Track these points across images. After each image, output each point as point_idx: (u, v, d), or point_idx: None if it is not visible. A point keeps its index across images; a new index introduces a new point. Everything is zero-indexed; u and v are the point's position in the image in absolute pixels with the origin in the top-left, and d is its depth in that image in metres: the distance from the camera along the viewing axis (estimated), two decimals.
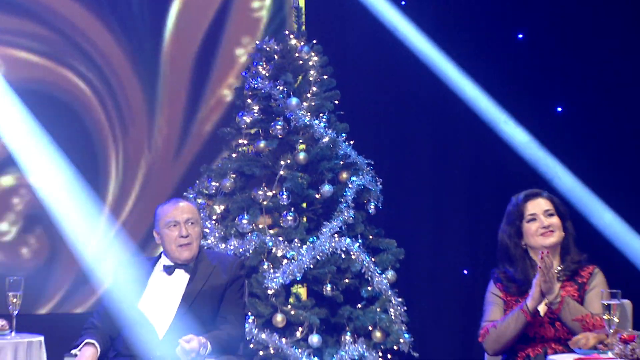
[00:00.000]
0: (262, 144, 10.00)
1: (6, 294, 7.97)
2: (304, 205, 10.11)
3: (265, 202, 9.98)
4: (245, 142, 10.21)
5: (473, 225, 9.92)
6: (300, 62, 10.22)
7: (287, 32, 10.50)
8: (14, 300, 7.88)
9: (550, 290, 7.21)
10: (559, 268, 7.42)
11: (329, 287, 9.67)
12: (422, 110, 10.89)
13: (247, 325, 9.02)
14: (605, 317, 6.86)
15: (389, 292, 9.71)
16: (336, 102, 10.19)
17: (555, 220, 7.47)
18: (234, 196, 9.99)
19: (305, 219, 10.17)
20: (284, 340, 9.59)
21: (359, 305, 9.78)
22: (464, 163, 10.94)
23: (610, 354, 6.65)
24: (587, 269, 7.48)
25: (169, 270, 8.11)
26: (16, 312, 7.96)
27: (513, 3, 11.21)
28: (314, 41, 10.41)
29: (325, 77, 10.19)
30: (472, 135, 10.95)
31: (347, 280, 9.77)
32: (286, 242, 9.77)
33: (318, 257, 9.64)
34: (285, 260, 9.72)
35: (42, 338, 8.08)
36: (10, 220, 12.00)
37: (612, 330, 6.77)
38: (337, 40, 10.73)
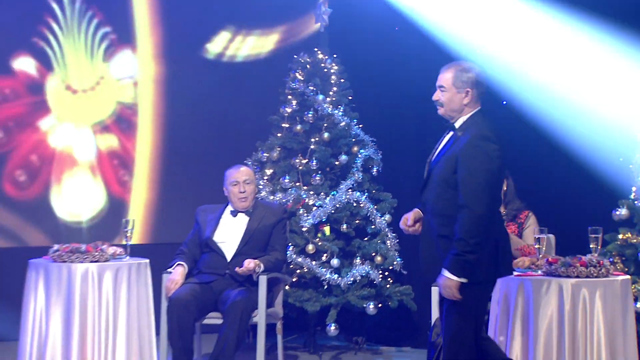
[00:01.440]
0: (298, 127, 10.05)
1: (122, 230, 8.24)
2: (328, 169, 10.07)
3: (300, 167, 10.04)
4: (287, 125, 10.21)
5: None
6: (325, 70, 10.22)
7: (315, 49, 10.44)
8: (128, 234, 8.16)
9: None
10: (503, 212, 7.54)
11: (344, 226, 9.77)
12: (409, 103, 10.70)
13: (288, 252, 9.07)
14: (536, 247, 7.14)
15: (386, 229, 9.76)
16: (350, 97, 10.23)
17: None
18: (279, 163, 10.08)
19: (328, 179, 10.10)
20: (313, 262, 9.59)
21: (365, 239, 9.82)
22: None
23: (539, 272, 6.88)
24: (524, 213, 7.60)
25: (234, 213, 8.50)
26: (129, 243, 8.19)
27: None
28: (334, 55, 10.37)
29: (342, 80, 10.21)
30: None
31: (357, 221, 9.87)
32: (315, 195, 9.87)
33: (337, 205, 9.72)
34: (314, 207, 9.79)
35: (147, 261, 8.25)
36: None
37: (541, 256, 6.98)
38: (350, 53, 10.61)
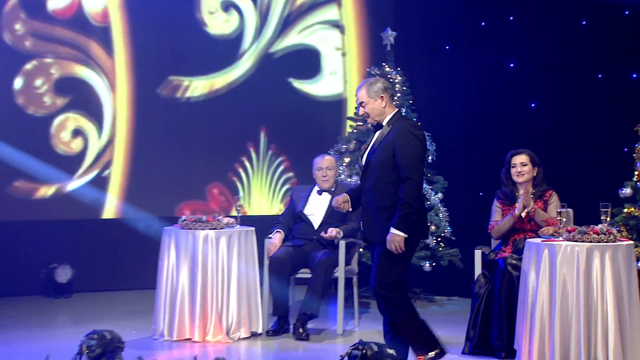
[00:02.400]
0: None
1: (235, 204, 8.44)
2: None
3: None
4: (361, 124, 10.15)
5: (483, 170, 9.75)
6: (391, 79, 9.94)
7: (383, 64, 10.29)
8: (239, 207, 8.36)
9: (528, 205, 7.36)
10: (533, 192, 7.51)
11: None
12: (456, 105, 10.68)
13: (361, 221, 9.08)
14: (558, 219, 7.04)
15: (439, 205, 9.77)
16: (410, 101, 10.10)
17: (526, 168, 7.59)
18: (354, 153, 10.00)
19: None
20: None
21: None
22: (476, 147, 10.58)
23: (561, 238, 6.76)
24: (548, 192, 7.54)
25: (319, 192, 8.69)
26: (239, 214, 8.35)
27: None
28: (398, 68, 10.20)
29: (404, 88, 10.08)
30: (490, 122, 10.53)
31: None
32: None
33: None
34: None
35: (253, 228, 8.38)
36: None
37: (562, 226, 6.88)
38: (411, 66, 10.56)
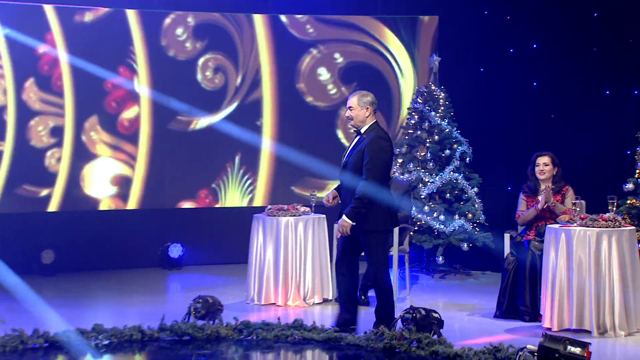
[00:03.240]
0: (418, 132, 9.80)
1: (310, 197, 8.25)
2: (437, 159, 9.81)
3: (420, 157, 9.77)
4: (411, 131, 9.96)
5: (511, 168, 9.74)
6: (436, 95, 9.92)
7: (430, 83, 10.10)
8: (313, 200, 8.17)
9: (549, 200, 7.26)
10: (552, 187, 7.40)
11: (448, 195, 9.63)
12: (489, 116, 10.56)
13: (412, 210, 9.09)
14: (573, 209, 7.07)
15: (475, 197, 9.64)
16: (452, 113, 9.90)
17: (548, 168, 7.46)
18: (407, 155, 9.92)
19: (437, 165, 9.79)
20: (427, 217, 9.47)
21: (461, 203, 9.67)
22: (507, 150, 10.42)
23: (575, 224, 6.77)
24: (566, 187, 7.45)
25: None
26: (313, 204, 8.29)
27: None
28: (442, 87, 10.02)
29: (447, 102, 9.88)
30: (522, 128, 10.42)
31: (456, 192, 9.71)
32: (429, 175, 9.64)
33: (443, 182, 9.58)
34: (429, 183, 9.61)
35: (324, 216, 8.38)
36: None
37: (576, 214, 6.90)
38: (452, 84, 10.28)
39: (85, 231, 10.15)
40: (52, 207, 10.01)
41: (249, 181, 10.90)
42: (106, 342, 6.39)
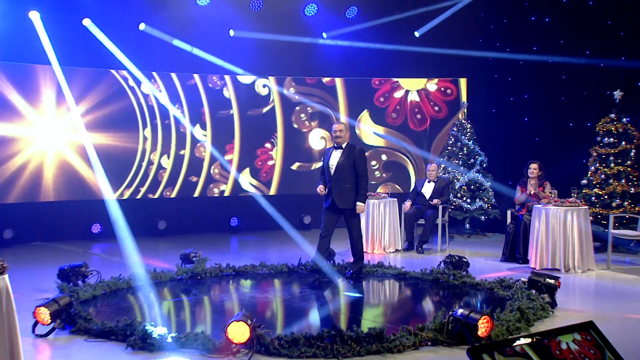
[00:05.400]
0: (454, 149, 9.39)
1: (385, 188, 7.65)
2: (466, 164, 9.30)
3: (455, 162, 9.30)
4: (450, 148, 9.46)
5: (512, 170, 9.26)
6: (465, 126, 9.46)
7: (462, 118, 9.70)
8: (389, 188, 7.66)
9: (535, 189, 7.09)
10: (537, 182, 7.25)
11: (472, 187, 9.20)
12: (499, 136, 10.19)
13: (450, 195, 8.67)
14: (550, 195, 6.98)
15: (489, 188, 9.25)
16: (474, 137, 9.45)
17: (536, 170, 7.28)
18: (447, 162, 9.38)
19: (466, 168, 9.28)
20: (459, 200, 9.08)
21: (480, 191, 9.22)
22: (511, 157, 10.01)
23: (551, 205, 6.67)
24: (545, 182, 7.27)
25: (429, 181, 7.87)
26: (389, 192, 7.70)
27: None
28: (469, 120, 9.62)
29: (472, 130, 9.42)
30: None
31: (477, 185, 9.21)
32: (460, 174, 9.20)
33: (469, 179, 9.18)
34: (460, 179, 9.18)
35: (396, 199, 7.88)
36: None
37: (552, 199, 6.83)
38: (475, 119, 9.83)
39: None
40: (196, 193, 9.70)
41: None
42: (267, 272, 6.39)
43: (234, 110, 9.91)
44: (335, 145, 5.99)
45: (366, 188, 5.96)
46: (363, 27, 10.00)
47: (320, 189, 5.99)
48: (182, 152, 9.64)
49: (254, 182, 10.08)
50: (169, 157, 9.61)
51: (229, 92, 9.91)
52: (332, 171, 5.92)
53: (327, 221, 6.01)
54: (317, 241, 6.11)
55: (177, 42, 9.31)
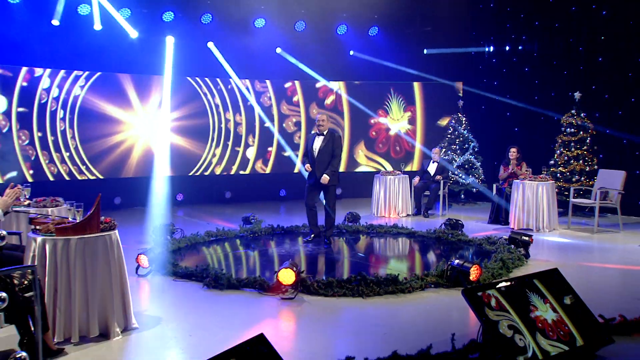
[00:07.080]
0: (452, 136, 9.07)
1: (401, 165, 7.36)
2: (462, 149, 9.00)
3: (453, 147, 8.93)
4: (449, 136, 9.17)
5: (498, 153, 8.63)
6: (461, 117, 9.11)
7: (459, 113, 9.23)
8: (403, 169, 7.35)
9: (514, 168, 6.94)
10: (516, 162, 7.11)
11: (466, 166, 8.94)
12: (490, 127, 9.66)
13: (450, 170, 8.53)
14: (526, 173, 6.82)
15: (479, 167, 8.96)
16: (469, 127, 9.13)
17: (514, 154, 7.10)
18: (447, 147, 9.10)
19: (461, 151, 9.00)
20: (456, 176, 8.86)
21: (473, 169, 8.95)
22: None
23: (527, 180, 6.62)
24: (523, 162, 7.10)
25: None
26: (403, 170, 7.45)
27: None
28: (464, 114, 9.24)
29: (466, 122, 9.09)
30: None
31: (470, 164, 8.91)
32: (457, 156, 8.92)
33: (464, 160, 8.91)
34: (457, 160, 8.93)
35: (407, 176, 7.56)
36: None
37: (528, 176, 6.76)
38: (469, 113, 9.45)
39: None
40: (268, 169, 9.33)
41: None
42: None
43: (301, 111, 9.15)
44: (318, 132, 5.61)
45: (336, 166, 5.56)
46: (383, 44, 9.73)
47: (308, 167, 5.56)
48: (237, 149, 9.28)
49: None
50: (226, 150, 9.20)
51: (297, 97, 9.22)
52: (315, 154, 5.55)
53: (310, 194, 5.69)
54: (306, 210, 5.78)
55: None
